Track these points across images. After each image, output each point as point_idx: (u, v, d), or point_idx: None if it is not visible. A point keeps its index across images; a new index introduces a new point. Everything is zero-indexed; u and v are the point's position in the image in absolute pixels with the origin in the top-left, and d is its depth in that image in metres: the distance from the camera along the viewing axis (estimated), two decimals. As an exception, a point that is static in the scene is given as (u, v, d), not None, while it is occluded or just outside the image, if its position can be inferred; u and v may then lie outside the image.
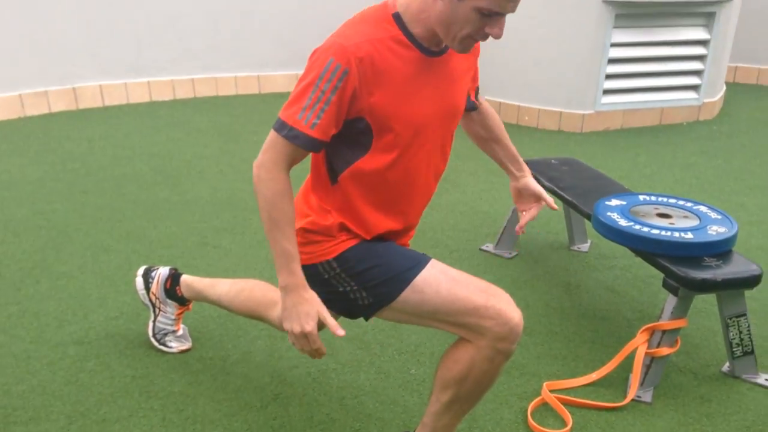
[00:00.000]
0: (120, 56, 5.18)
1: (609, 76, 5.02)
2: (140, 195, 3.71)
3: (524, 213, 2.08)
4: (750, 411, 2.24)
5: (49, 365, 2.35)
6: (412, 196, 1.78)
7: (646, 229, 2.33)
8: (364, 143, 1.67)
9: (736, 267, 2.25)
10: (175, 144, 4.47)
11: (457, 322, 1.71)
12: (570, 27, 4.85)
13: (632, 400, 2.26)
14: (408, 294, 1.71)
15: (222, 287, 2.29)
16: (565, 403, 2.24)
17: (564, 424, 2.16)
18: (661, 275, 2.30)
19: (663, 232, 2.30)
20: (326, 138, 1.61)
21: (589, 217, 2.62)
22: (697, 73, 5.29)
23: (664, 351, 2.27)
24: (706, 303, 2.78)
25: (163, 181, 3.89)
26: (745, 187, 4.10)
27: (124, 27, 5.14)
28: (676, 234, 2.29)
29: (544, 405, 2.25)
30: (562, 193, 2.86)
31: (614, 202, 2.55)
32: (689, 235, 2.29)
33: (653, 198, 2.59)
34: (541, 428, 2.13)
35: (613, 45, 4.93)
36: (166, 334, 2.45)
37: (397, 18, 1.63)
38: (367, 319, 1.86)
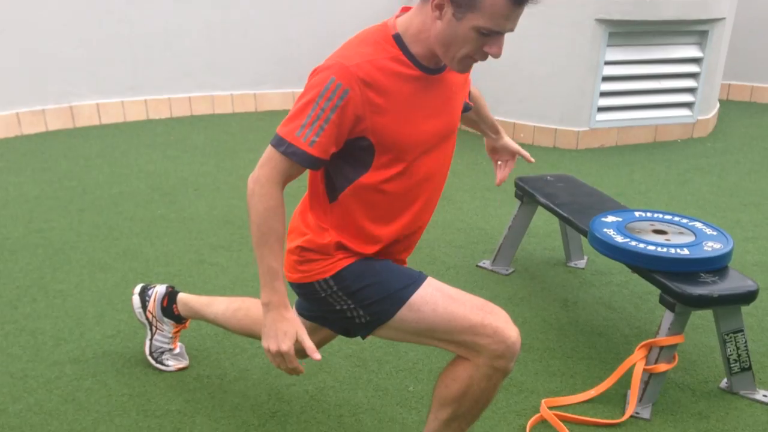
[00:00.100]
0: (117, 75, 5.20)
1: (603, 94, 5.06)
2: (137, 213, 3.71)
3: (500, 164, 2.29)
4: (748, 427, 2.24)
5: (46, 384, 2.34)
6: (412, 212, 1.79)
7: (642, 245, 2.34)
8: (365, 161, 1.67)
9: (733, 283, 2.26)
10: (171, 162, 4.48)
11: (454, 340, 1.71)
12: (564, 45, 4.89)
13: (631, 416, 2.26)
14: (405, 312, 1.71)
15: (219, 306, 2.28)
16: (564, 420, 2.24)
17: (562, 441, 2.16)
18: (658, 291, 2.31)
19: (659, 248, 2.31)
20: (326, 156, 1.62)
21: (585, 233, 2.63)
22: (690, 90, 5.33)
23: (662, 367, 2.27)
24: (703, 319, 2.79)
25: (160, 199, 3.89)
26: (739, 203, 4.12)
27: (120, 46, 5.17)
28: (672, 250, 2.30)
29: (543, 422, 2.24)
30: (558, 209, 2.87)
31: (610, 218, 2.56)
32: (685, 251, 2.30)
33: (649, 214, 2.60)
34: (540, 445, 2.12)
35: (607, 63, 4.97)
36: (163, 353, 2.44)
37: (398, 39, 1.64)
38: (364, 338, 1.86)
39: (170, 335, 2.44)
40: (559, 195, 3.00)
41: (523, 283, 3.12)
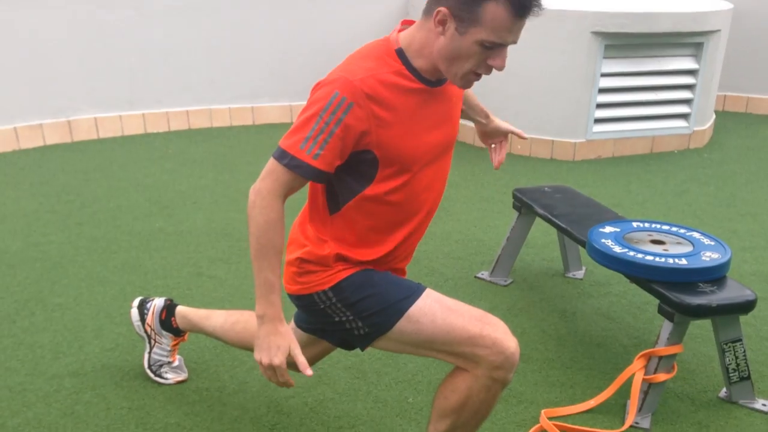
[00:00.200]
0: (115, 89, 5.21)
1: (600, 105, 5.08)
2: (135, 226, 3.71)
3: (494, 147, 2.26)
4: (748, 437, 2.24)
5: (45, 398, 2.34)
6: (413, 222, 1.80)
7: (640, 255, 2.35)
8: (369, 174, 1.68)
9: (731, 292, 2.27)
10: (169, 175, 4.48)
11: (452, 352, 1.71)
12: (561, 58, 4.92)
13: (630, 426, 2.26)
14: (403, 324, 1.72)
15: (217, 319, 2.28)
16: (564, 431, 2.23)
17: (562, 451, 2.15)
18: (656, 301, 2.32)
19: (657, 259, 2.32)
20: (330, 169, 1.62)
21: (583, 244, 2.64)
22: (686, 102, 5.35)
23: (662, 377, 2.27)
24: (701, 329, 2.79)
25: (158, 212, 3.90)
26: (736, 213, 4.14)
27: (118, 60, 5.18)
28: (671, 260, 2.31)
29: (543, 433, 2.24)
30: (556, 220, 2.88)
31: (608, 229, 2.57)
32: (683, 261, 2.31)
33: (646, 225, 2.61)
34: (540, 456, 2.12)
35: (604, 75, 5.00)
36: (161, 366, 2.44)
37: (400, 53, 1.66)
38: (363, 349, 1.86)
39: (169, 348, 2.44)
40: (557, 206, 3.01)
41: (522, 294, 3.12)
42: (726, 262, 2.33)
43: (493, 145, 2.28)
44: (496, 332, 1.68)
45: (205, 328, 2.31)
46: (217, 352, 2.61)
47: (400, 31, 1.71)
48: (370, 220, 1.74)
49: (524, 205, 3.10)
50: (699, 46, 5.21)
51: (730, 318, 2.29)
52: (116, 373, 2.48)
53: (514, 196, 3.16)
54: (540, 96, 5.05)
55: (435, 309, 1.71)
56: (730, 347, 2.33)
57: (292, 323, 1.99)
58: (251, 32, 5.55)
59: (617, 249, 2.39)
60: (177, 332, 2.41)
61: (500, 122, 2.25)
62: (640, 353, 2.31)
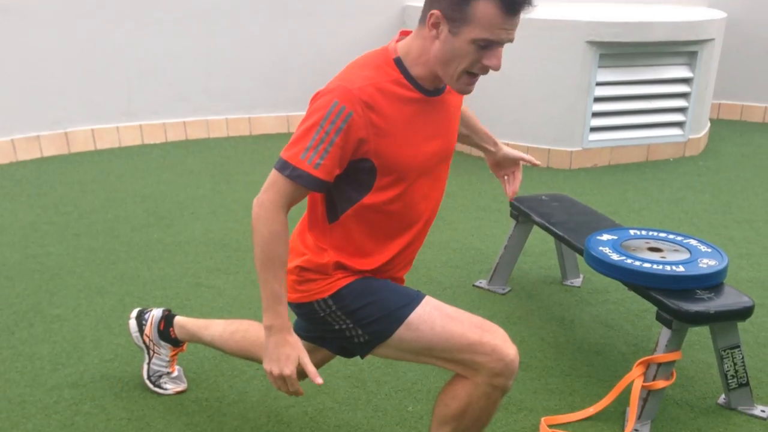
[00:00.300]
0: (112, 101, 5.23)
1: (595, 114, 5.11)
2: (133, 237, 3.71)
3: (507, 178, 2.26)
4: (747, 443, 2.25)
5: (44, 409, 2.33)
6: (411, 231, 1.81)
7: (638, 263, 2.35)
8: (367, 183, 1.69)
9: (728, 299, 2.27)
10: (167, 186, 4.49)
11: (452, 359, 1.72)
12: (556, 67, 4.95)
13: (630, 433, 2.27)
14: (403, 331, 1.73)
15: (216, 328, 2.29)
16: (563, 438, 2.24)
17: (563, 459, 2.16)
18: (654, 309, 2.33)
19: (655, 266, 2.33)
20: (330, 179, 1.63)
21: (581, 251, 2.65)
22: (681, 110, 5.38)
23: (660, 384, 2.28)
24: (699, 336, 2.80)
25: (156, 223, 3.90)
26: (732, 221, 4.16)
27: (115, 72, 5.19)
28: (668, 267, 2.32)
29: (542, 440, 2.24)
30: (553, 228, 2.89)
31: (605, 236, 2.58)
32: (681, 269, 2.32)
33: (644, 232, 2.62)
34: (540, 464, 2.12)
35: (599, 84, 5.02)
36: (161, 376, 2.44)
37: (398, 62, 1.67)
38: (363, 357, 1.86)
39: (168, 359, 2.44)
40: (555, 214, 3.02)
41: (520, 302, 3.13)
42: (723, 269, 2.34)
43: (506, 177, 2.27)
44: (496, 339, 1.68)
45: (203, 338, 2.31)
46: (216, 362, 2.61)
47: (398, 40, 1.72)
48: (369, 229, 1.75)
49: (521, 213, 3.11)
50: (693, 54, 5.24)
51: (728, 324, 2.30)
52: (115, 383, 2.48)
53: (512, 205, 3.17)
54: (536, 105, 5.07)
55: (434, 316, 1.72)
56: (728, 354, 2.33)
57: None
58: (248, 43, 5.57)
59: (615, 257, 2.40)
60: (175, 343, 2.41)
61: (510, 150, 2.24)
62: (639, 360, 2.31)
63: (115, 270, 3.34)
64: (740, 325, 2.35)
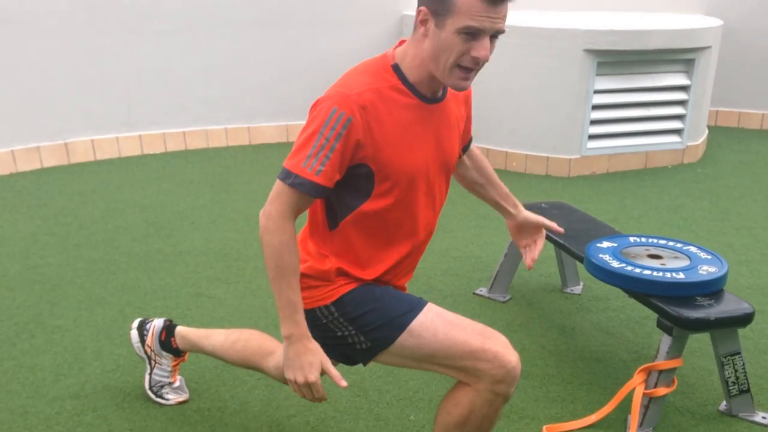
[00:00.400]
0: (111, 111, 5.24)
1: (594, 122, 5.13)
2: (133, 247, 3.71)
3: (527, 248, 2.14)
4: (749, 449, 2.25)
5: (46, 420, 2.33)
6: (411, 239, 1.82)
7: (638, 270, 2.36)
8: (366, 189, 1.70)
9: (729, 306, 2.28)
10: (167, 196, 4.49)
11: (454, 366, 1.72)
12: (554, 75, 4.97)
13: (632, 441, 2.27)
14: (405, 338, 1.73)
15: (217, 338, 2.29)
16: (565, 446, 2.24)
17: (565, 467, 2.16)
18: (654, 316, 2.33)
19: (655, 273, 2.34)
20: (331, 185, 1.65)
21: (581, 259, 2.66)
22: (679, 117, 5.40)
23: (662, 391, 2.28)
24: (700, 342, 2.80)
25: (156, 233, 3.90)
26: (731, 227, 4.17)
27: (115, 82, 5.21)
28: (668, 274, 2.33)
29: (545, 448, 2.25)
30: (553, 236, 2.90)
31: (605, 244, 2.59)
32: (681, 275, 2.32)
33: (643, 239, 2.63)
34: (543, 472, 2.12)
35: (597, 92, 5.05)
36: (162, 386, 2.44)
37: (396, 68, 1.69)
38: (365, 364, 1.87)
39: (169, 369, 2.44)
40: (554, 221, 3.01)
41: (521, 310, 3.13)
42: (723, 276, 2.35)
43: (526, 247, 2.15)
44: (498, 346, 1.69)
45: (204, 348, 2.31)
46: (217, 372, 2.61)
47: (396, 47, 1.74)
48: (368, 236, 1.76)
49: (521, 221, 3.12)
50: (690, 62, 5.27)
51: (728, 331, 2.31)
52: (117, 394, 2.48)
53: (512, 213, 3.18)
54: (534, 113, 5.09)
55: (437, 323, 1.73)
56: (729, 360, 2.34)
57: None
58: (247, 53, 5.59)
59: (615, 264, 2.41)
60: (177, 353, 2.42)
61: (530, 214, 2.15)
62: (640, 367, 2.32)
63: (116, 280, 3.34)
64: (740, 331, 2.35)
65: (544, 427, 2.29)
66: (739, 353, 2.34)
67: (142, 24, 5.19)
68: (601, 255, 2.48)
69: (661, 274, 2.33)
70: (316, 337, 1.90)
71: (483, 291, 3.28)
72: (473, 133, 2.06)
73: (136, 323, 2.47)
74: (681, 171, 5.28)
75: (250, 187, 4.67)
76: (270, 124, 5.79)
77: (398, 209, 1.74)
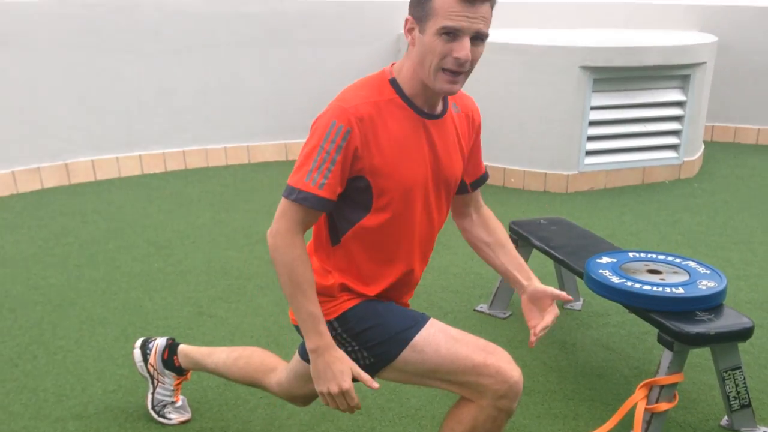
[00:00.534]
0: (112, 131, 5.27)
1: (591, 138, 5.16)
2: (134, 267, 3.72)
3: (536, 324, 1.84)
4: (751, 464, 2.25)
5: (49, 441, 2.33)
6: (409, 254, 1.83)
7: (638, 285, 2.38)
8: (365, 203, 1.72)
9: (728, 320, 2.29)
10: (167, 215, 4.51)
11: (457, 381, 1.73)
12: (551, 92, 5.01)
13: (634, 456, 2.27)
14: (408, 353, 1.74)
15: (219, 355, 2.30)
16: (568, 462, 2.24)
17: (568, 483, 2.16)
18: (655, 331, 2.34)
19: (655, 288, 2.35)
20: (334, 197, 1.67)
21: (580, 274, 2.67)
22: (675, 133, 5.44)
23: (664, 406, 2.29)
24: (700, 357, 2.81)
25: (157, 252, 3.92)
26: (729, 242, 4.19)
27: (115, 103, 5.24)
28: (668, 289, 2.34)
29: (547, 465, 2.25)
30: (553, 252, 2.92)
31: (605, 259, 2.60)
32: (680, 290, 2.34)
33: (642, 255, 2.65)
34: (546, 488, 2.12)
35: (593, 108, 5.09)
36: (165, 406, 2.44)
37: (393, 82, 1.72)
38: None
39: (172, 388, 2.44)
40: (554, 238, 3.05)
41: (521, 326, 3.14)
42: (722, 290, 2.36)
43: (534, 326, 1.84)
44: (500, 361, 1.70)
45: (207, 366, 2.32)
46: (220, 392, 2.62)
47: (394, 64, 1.77)
48: (370, 251, 1.78)
49: (521, 237, 3.14)
50: (686, 78, 5.32)
51: (728, 346, 2.32)
52: (120, 414, 2.48)
53: (511, 229, 3.20)
54: (532, 130, 5.13)
55: (439, 338, 1.74)
56: (730, 375, 2.35)
57: (296, 356, 2.01)
58: (246, 72, 5.63)
59: (615, 279, 2.42)
60: (179, 371, 2.42)
61: (541, 285, 1.89)
62: (642, 383, 2.32)
63: (117, 300, 3.35)
64: (741, 346, 2.37)
65: (547, 444, 2.30)
66: (739, 368, 2.35)
67: (142, 44, 5.24)
68: (600, 270, 2.49)
69: (660, 289, 2.35)
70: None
71: (483, 307, 3.29)
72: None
73: (139, 342, 2.47)
74: (678, 186, 5.31)
75: (250, 205, 4.68)
76: (269, 142, 5.82)
77: (396, 224, 1.76)
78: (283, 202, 1.68)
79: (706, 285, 2.38)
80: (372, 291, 1.81)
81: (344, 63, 5.76)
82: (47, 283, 3.51)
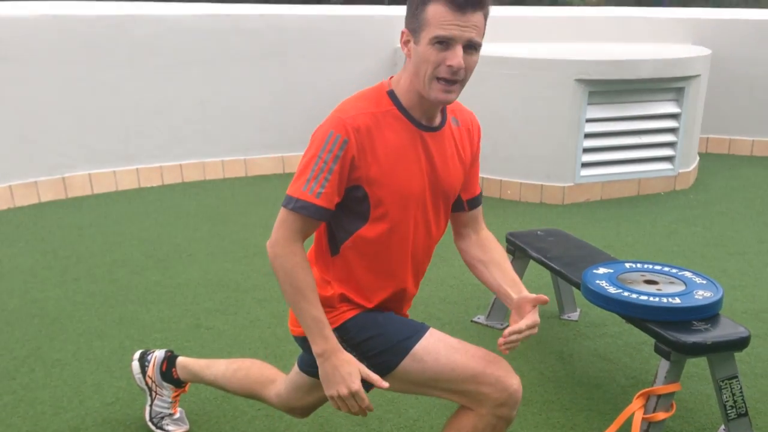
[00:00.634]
0: (109, 145, 5.28)
1: (586, 150, 5.19)
2: (132, 280, 3.73)
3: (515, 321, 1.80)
4: (749, 473, 2.26)
5: (47, 454, 2.33)
6: (407, 265, 1.84)
7: (634, 295, 2.38)
8: (362, 213, 1.74)
9: (725, 330, 2.30)
10: (164, 228, 4.51)
11: (457, 390, 1.74)
12: (547, 105, 5.04)
13: (632, 466, 2.27)
14: (408, 362, 1.75)
15: (218, 367, 2.30)
16: (567, 472, 2.24)
17: (566, 493, 2.16)
18: (651, 342, 2.35)
19: (651, 298, 2.36)
20: (332, 206, 1.69)
21: (577, 285, 2.68)
22: (670, 144, 5.48)
23: (661, 416, 2.29)
24: (697, 367, 2.82)
25: (154, 265, 3.92)
26: (725, 253, 4.20)
27: (112, 116, 5.26)
28: (665, 299, 2.35)
29: (546, 475, 2.25)
30: (550, 263, 2.93)
31: (602, 270, 2.61)
32: (677, 300, 2.35)
33: (639, 265, 2.66)
34: (544, 498, 2.12)
35: (589, 120, 5.12)
36: (163, 418, 2.44)
37: (391, 94, 1.74)
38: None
39: (170, 400, 2.44)
40: (551, 249, 3.06)
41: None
42: (719, 300, 2.37)
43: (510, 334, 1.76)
44: (499, 370, 1.71)
45: (206, 378, 2.32)
46: (218, 404, 2.61)
47: (392, 76, 1.79)
48: (368, 262, 1.79)
49: (518, 248, 3.15)
50: (680, 90, 5.36)
51: (725, 355, 2.32)
52: (117, 427, 2.48)
53: (508, 240, 3.22)
54: (528, 142, 5.15)
55: (439, 348, 1.75)
56: (726, 384, 2.35)
57: (295, 367, 2.01)
58: (243, 86, 5.66)
59: (612, 290, 2.43)
60: (178, 383, 2.42)
61: (526, 293, 1.86)
62: (639, 392, 2.33)
63: (115, 313, 3.35)
64: (737, 356, 2.37)
65: (545, 454, 2.30)
66: (736, 377, 2.35)
67: (139, 59, 5.26)
68: (597, 281, 2.50)
69: (657, 299, 2.36)
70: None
71: (481, 318, 3.30)
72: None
73: (137, 354, 2.47)
74: (674, 197, 5.34)
75: (247, 218, 4.69)
76: (266, 155, 5.84)
77: (394, 235, 1.77)
78: (282, 212, 1.70)
79: (703, 295, 2.39)
80: (371, 302, 1.82)
81: (341, 77, 5.79)
82: (44, 296, 3.51)
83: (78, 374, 2.81)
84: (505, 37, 6.20)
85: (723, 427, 2.46)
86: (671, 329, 2.27)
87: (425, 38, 1.62)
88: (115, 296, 3.53)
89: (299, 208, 1.67)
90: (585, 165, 5.21)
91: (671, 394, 2.31)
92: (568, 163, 5.13)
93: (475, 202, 1.98)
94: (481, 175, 5.35)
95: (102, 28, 5.11)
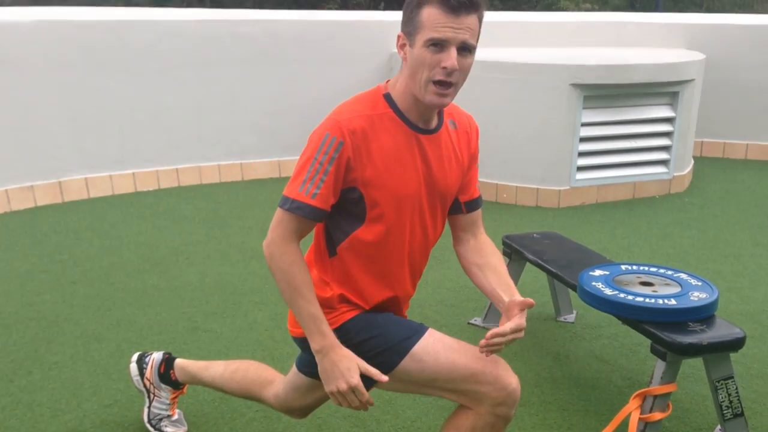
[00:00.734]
0: (105, 149, 5.29)
1: (582, 154, 5.21)
2: (129, 283, 3.73)
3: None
4: (745, 473, 2.27)
5: (45, 456, 2.33)
6: (404, 266, 1.85)
7: (630, 297, 2.40)
8: (359, 214, 1.75)
9: (720, 331, 2.32)
10: (161, 232, 4.52)
11: (456, 389, 1.75)
12: (542, 109, 5.07)
13: (629, 466, 2.28)
14: (408, 362, 1.76)
15: (216, 369, 2.31)
16: (564, 473, 2.25)
17: (564, 493, 2.17)
18: (647, 343, 2.37)
19: (647, 300, 2.37)
20: (327, 207, 1.70)
21: (574, 287, 2.70)
22: (665, 148, 5.50)
23: (657, 416, 2.30)
24: (692, 368, 2.84)
25: (151, 269, 3.92)
26: (720, 255, 4.23)
27: (108, 121, 5.27)
28: (660, 301, 2.37)
29: (543, 475, 2.26)
30: (546, 265, 2.94)
31: (598, 272, 2.63)
32: (673, 302, 2.36)
33: (635, 267, 2.67)
34: (542, 498, 2.13)
35: (584, 125, 5.14)
36: (161, 419, 2.45)
37: (388, 97, 1.75)
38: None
39: (168, 401, 2.44)
40: (547, 251, 3.08)
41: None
42: (714, 302, 2.39)
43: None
44: (498, 369, 1.72)
45: (204, 379, 2.33)
46: (215, 405, 2.62)
47: (389, 80, 1.81)
48: (365, 263, 1.80)
49: (514, 251, 3.17)
50: (675, 95, 5.39)
51: (721, 356, 2.34)
52: (115, 429, 2.48)
53: (504, 243, 3.23)
54: (524, 146, 5.18)
55: (438, 347, 1.76)
56: (722, 385, 2.37)
57: (294, 368, 2.02)
58: (239, 90, 5.67)
59: (608, 291, 2.45)
60: (176, 385, 2.43)
61: (516, 296, 1.83)
62: (635, 393, 2.34)
63: (112, 316, 3.35)
64: (733, 356, 2.39)
65: (542, 454, 2.31)
66: (732, 377, 2.37)
67: (135, 63, 5.27)
68: (594, 283, 2.52)
69: (653, 300, 2.37)
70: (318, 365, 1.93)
71: (478, 321, 3.31)
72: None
73: (135, 357, 2.48)
74: (668, 201, 5.36)
75: (243, 222, 4.70)
76: (262, 160, 5.85)
77: (390, 236, 1.78)
78: (278, 212, 1.71)
79: (698, 296, 2.40)
80: (369, 303, 1.83)
81: (337, 82, 5.81)
82: (41, 299, 3.51)
83: (76, 377, 2.81)
84: (500, 42, 6.24)
85: (719, 427, 2.48)
86: (667, 330, 2.28)
87: (420, 41, 1.64)
88: (112, 299, 3.53)
89: (295, 208, 1.68)
90: (580, 168, 5.24)
91: (667, 395, 2.32)
92: (563, 167, 5.15)
93: (473, 205, 1.98)
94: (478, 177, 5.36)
95: (98, 34, 5.12)
